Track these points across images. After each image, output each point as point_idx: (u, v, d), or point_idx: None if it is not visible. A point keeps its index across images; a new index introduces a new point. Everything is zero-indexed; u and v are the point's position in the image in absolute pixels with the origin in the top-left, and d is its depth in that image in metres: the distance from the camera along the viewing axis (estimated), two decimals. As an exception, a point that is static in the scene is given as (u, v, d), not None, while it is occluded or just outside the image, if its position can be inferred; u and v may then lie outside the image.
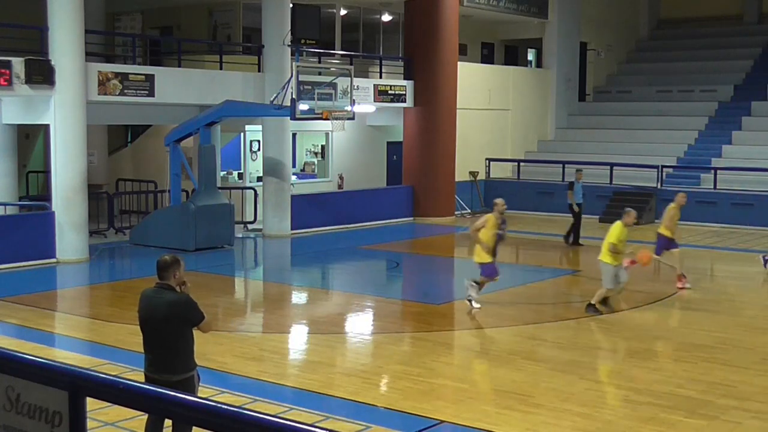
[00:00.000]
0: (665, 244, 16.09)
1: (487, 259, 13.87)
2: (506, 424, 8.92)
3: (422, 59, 26.01)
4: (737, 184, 26.28)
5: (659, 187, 26.70)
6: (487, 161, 29.08)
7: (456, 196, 27.02)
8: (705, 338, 12.56)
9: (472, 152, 28.25)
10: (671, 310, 14.93)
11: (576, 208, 21.34)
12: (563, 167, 28.07)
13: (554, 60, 31.97)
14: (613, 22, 34.77)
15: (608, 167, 27.62)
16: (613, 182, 27.55)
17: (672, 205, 16.24)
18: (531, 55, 35.71)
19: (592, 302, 13.73)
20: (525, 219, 26.53)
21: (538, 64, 33.34)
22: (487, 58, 33.00)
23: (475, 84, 28.31)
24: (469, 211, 27.55)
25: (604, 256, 13.78)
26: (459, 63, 26.76)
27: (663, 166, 27.26)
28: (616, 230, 13.71)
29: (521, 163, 30.03)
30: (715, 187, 26.47)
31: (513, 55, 34.86)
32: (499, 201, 14.08)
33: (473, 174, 28.32)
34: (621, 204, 27.02)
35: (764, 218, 24.57)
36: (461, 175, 27.39)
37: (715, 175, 26.61)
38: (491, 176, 29.18)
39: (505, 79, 30.47)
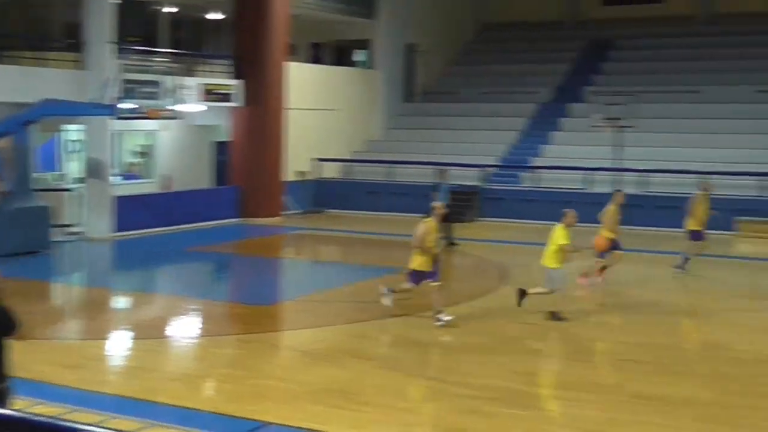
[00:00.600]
0: (611, 245, 16.16)
1: (427, 267, 13.04)
2: (334, 423, 8.94)
3: (251, 58, 25.77)
4: (556, 182, 27.36)
5: (482, 185, 27.48)
6: (317, 161, 29.12)
7: (285, 196, 26.93)
8: (524, 331, 12.97)
9: (302, 152, 28.23)
10: (492, 305, 15.34)
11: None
12: (397, 166, 28.64)
13: (382, 61, 32.40)
14: (440, 25, 35.49)
15: (435, 167, 28.21)
16: (443, 182, 28.15)
17: (611, 206, 16.33)
18: (360, 56, 36.01)
19: (552, 310, 13.46)
20: (354, 218, 26.78)
21: (368, 65, 33.66)
22: (316, 59, 33.05)
23: (304, 84, 28.29)
24: (300, 211, 27.55)
25: (549, 261, 13.59)
26: (289, 63, 26.70)
27: (486, 166, 28.05)
28: (561, 233, 13.51)
29: (350, 163, 30.28)
30: (534, 186, 27.50)
31: (342, 56, 35.07)
32: (438, 204, 13.35)
33: (301, 174, 28.32)
34: (449, 203, 27.64)
35: (583, 216, 25.59)
36: (290, 174, 27.34)
37: (536, 173, 27.68)
38: (321, 176, 29.24)
39: (335, 80, 30.62)
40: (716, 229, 23.70)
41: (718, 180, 25.47)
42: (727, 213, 24.30)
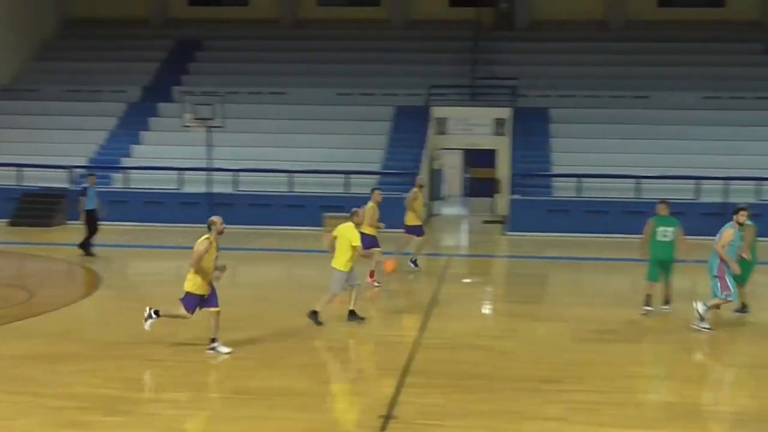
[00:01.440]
0: (370, 242, 16.06)
1: (204, 290, 11.55)
2: None
3: None
4: (148, 182, 26.98)
5: (70, 187, 26.37)
6: None
7: None
8: (122, 335, 12.57)
9: None
10: (85, 312, 14.76)
11: (88, 215, 19.94)
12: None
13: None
14: (18, 18, 33.46)
15: (16, 168, 26.67)
16: (23, 184, 26.67)
17: (370, 204, 16.53)
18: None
19: (316, 309, 13.23)
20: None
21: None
22: None
23: None
24: None
25: (339, 264, 13.23)
26: None
27: (73, 167, 26.98)
28: (353, 233, 13.21)
29: None
30: (126, 186, 26.92)
31: None
32: (217, 219, 11.71)
33: None
34: (31, 206, 26.28)
35: (175, 216, 25.52)
36: None
37: (128, 174, 27.11)
38: None
39: None
40: (307, 225, 24.86)
41: (304, 178, 26.69)
42: (317, 209, 25.57)
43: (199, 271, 11.40)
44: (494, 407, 9.60)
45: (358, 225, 13.49)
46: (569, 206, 26.10)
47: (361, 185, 26.78)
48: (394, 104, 30.89)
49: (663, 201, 14.92)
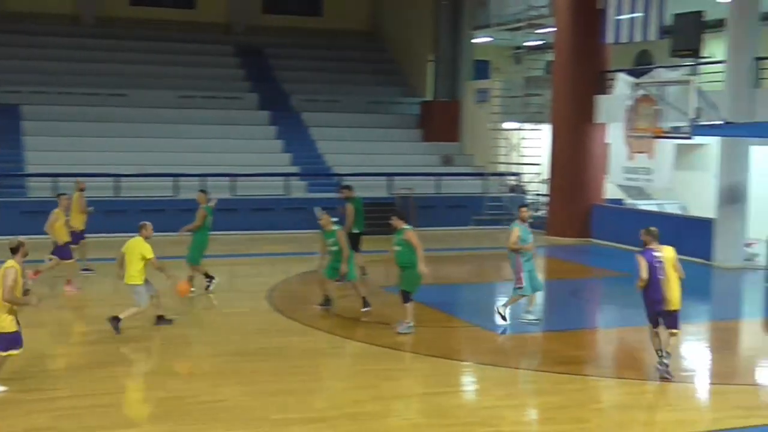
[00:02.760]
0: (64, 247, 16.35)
1: (14, 326, 9.96)
2: None
3: None
4: None
5: None
6: None
7: None
8: None
9: None
10: None
11: None
12: None
13: None
14: None
15: None
16: None
17: (57, 209, 16.72)
18: None
19: (120, 316, 12.91)
20: None
21: None
22: None
23: None
24: None
25: (134, 279, 12.89)
26: None
27: None
28: (145, 246, 12.87)
29: None
30: None
31: None
32: (23, 239, 10.27)
33: None
34: None
35: None
36: None
37: None
38: None
39: None
40: None
41: None
42: None
43: (19, 302, 9.90)
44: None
45: (147, 238, 13.08)
46: (47, 207, 25.07)
47: None
48: None
49: (202, 191, 16.62)
